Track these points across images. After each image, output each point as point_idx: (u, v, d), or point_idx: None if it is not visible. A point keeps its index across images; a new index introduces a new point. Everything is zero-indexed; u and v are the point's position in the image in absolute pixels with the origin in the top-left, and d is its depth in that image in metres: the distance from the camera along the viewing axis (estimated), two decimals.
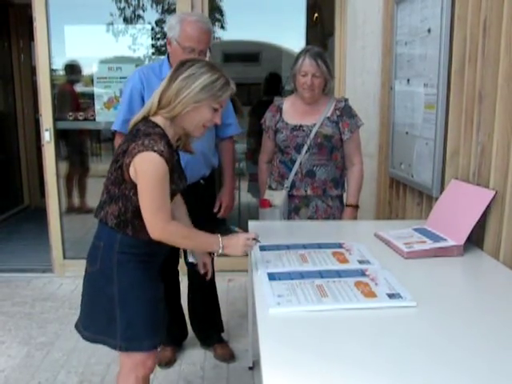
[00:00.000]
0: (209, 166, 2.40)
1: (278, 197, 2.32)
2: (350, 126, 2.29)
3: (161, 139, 1.49)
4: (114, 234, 1.57)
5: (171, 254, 2.39)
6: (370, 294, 1.37)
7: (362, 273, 1.53)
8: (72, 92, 4.20)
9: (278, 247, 1.75)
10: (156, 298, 1.65)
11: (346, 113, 2.30)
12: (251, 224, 2.11)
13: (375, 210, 3.22)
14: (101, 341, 1.63)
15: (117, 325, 1.58)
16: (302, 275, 1.51)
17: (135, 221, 1.55)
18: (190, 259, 1.67)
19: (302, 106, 2.32)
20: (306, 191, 2.30)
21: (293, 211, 2.34)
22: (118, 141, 2.25)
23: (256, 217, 2.44)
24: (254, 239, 1.61)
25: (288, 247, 1.78)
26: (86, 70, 3.94)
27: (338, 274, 1.52)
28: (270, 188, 2.40)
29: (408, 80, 2.61)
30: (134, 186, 1.51)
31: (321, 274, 1.51)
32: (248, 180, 5.01)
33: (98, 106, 3.61)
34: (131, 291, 1.58)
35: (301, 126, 2.29)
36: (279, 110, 2.37)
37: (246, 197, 5.11)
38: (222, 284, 3.22)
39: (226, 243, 1.57)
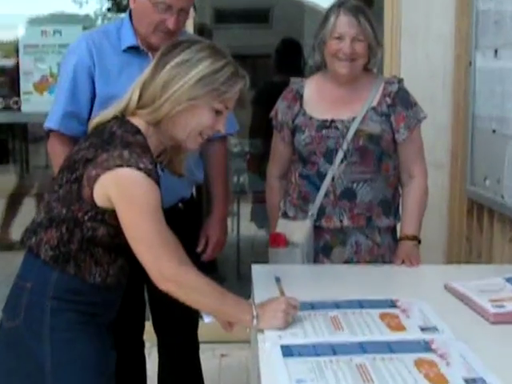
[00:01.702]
0: (190, 183, 2.42)
1: (298, 230, 2.33)
2: (407, 121, 2.31)
3: (145, 152, 1.59)
4: (49, 272, 1.64)
5: (135, 315, 2.40)
6: (439, 379, 1.36)
7: (427, 346, 1.52)
8: None
9: None
10: (105, 372, 1.71)
11: (400, 100, 2.32)
12: (256, 269, 2.11)
13: (446, 248, 3.22)
14: None
15: None
16: (333, 350, 1.50)
17: (81, 255, 1.63)
18: (206, 318, 1.73)
19: (335, 91, 2.34)
20: (341, 221, 2.31)
21: (321, 252, 2.34)
22: (54, 145, 2.27)
23: (263, 258, 2.44)
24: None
25: (312, 306, 1.78)
26: (7, 34, 3.99)
27: (390, 348, 1.51)
28: (286, 216, 2.41)
29: (496, 51, 2.63)
30: (93, 208, 1.60)
31: (363, 349, 1.51)
32: (251, 202, 5.01)
33: (25, 89, 3.63)
34: (70, 356, 1.63)
35: (333, 121, 2.30)
36: (299, 97, 2.39)
37: (247, 228, 5.10)
38: (210, 361, 3.20)
39: (261, 311, 1.63)
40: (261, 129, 4.25)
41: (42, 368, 1.62)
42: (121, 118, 1.69)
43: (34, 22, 3.72)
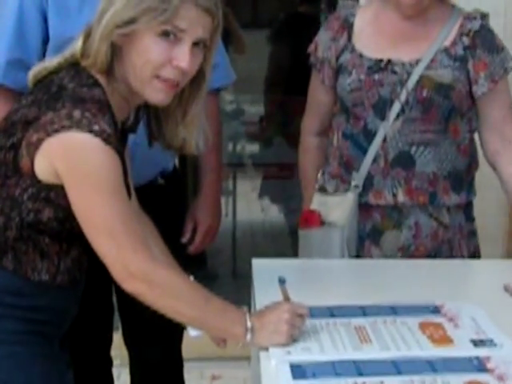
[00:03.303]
0: (173, 152, 2.42)
1: (337, 207, 2.32)
2: (490, 70, 2.27)
3: (102, 112, 1.57)
4: None
5: (100, 324, 2.43)
6: None
7: (480, 366, 1.52)
8: None
9: (311, 313, 1.74)
10: None
11: (482, 42, 2.28)
12: (258, 265, 2.12)
13: (506, 238, 3.21)
14: None
15: None
16: (358, 369, 1.51)
17: (21, 246, 1.64)
18: (192, 332, 1.72)
19: (396, 24, 2.30)
20: (394, 196, 2.29)
21: (368, 238, 2.33)
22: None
23: (267, 251, 2.44)
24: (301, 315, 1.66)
25: (331, 313, 1.78)
26: None
27: (432, 367, 1.52)
28: (323, 191, 2.40)
29: None
30: (34, 184, 1.59)
31: (397, 368, 1.51)
32: (261, 177, 5.01)
33: None
34: (9, 376, 1.64)
35: (390, 62, 2.27)
36: (347, 27, 2.36)
37: (246, 211, 5.11)
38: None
39: (257, 323, 1.62)
40: (280, 73, 4.35)
41: None
42: (75, 67, 1.67)
43: None
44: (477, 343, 1.63)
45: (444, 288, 2.05)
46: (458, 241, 2.32)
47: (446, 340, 1.65)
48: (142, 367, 2.56)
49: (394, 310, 1.80)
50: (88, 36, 1.65)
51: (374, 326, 1.72)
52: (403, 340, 1.65)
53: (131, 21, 1.59)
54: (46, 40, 2.22)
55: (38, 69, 1.72)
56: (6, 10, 2.25)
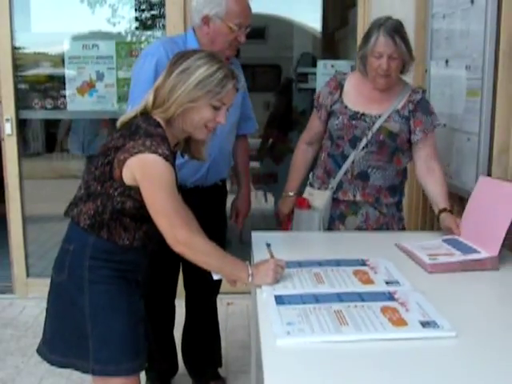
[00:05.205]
0: (229, 165, 2.48)
1: (319, 198, 2.35)
2: (423, 126, 2.25)
3: (163, 142, 1.62)
4: (87, 237, 1.68)
5: (171, 272, 2.43)
6: (400, 322, 1.37)
7: (390, 296, 1.53)
8: None
9: (288, 265, 1.75)
10: (134, 315, 1.75)
11: (421, 108, 2.26)
12: (255, 236, 2.11)
13: (406, 220, 3.21)
14: (70, 364, 1.72)
15: (89, 343, 1.67)
16: (316, 298, 1.52)
17: (112, 223, 1.67)
18: (215, 276, 1.72)
19: (369, 90, 2.29)
20: (354, 196, 2.31)
21: (337, 219, 2.35)
22: None
23: (260, 226, 2.45)
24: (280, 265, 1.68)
25: (299, 264, 1.79)
26: (55, 49, 3.98)
27: (361, 297, 1.53)
28: (312, 186, 2.43)
29: (446, 61, 2.62)
30: (122, 186, 1.63)
31: (340, 298, 1.52)
32: (259, 182, 5.00)
33: (69, 92, 3.64)
34: (105, 302, 1.68)
35: (363, 114, 2.27)
36: (340, 87, 2.34)
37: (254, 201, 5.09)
38: (219, 309, 3.21)
39: (254, 271, 1.65)
40: (275, 119, 4.52)
41: (83, 313, 1.67)
42: (146, 115, 1.70)
43: (77, 37, 3.71)
44: (388, 282, 1.65)
45: (367, 248, 2.04)
46: (391, 224, 2.36)
47: (369, 281, 1.67)
48: (192, 298, 2.58)
49: (338, 263, 1.81)
50: (156, 93, 1.68)
51: (326, 272, 1.73)
52: (344, 282, 1.66)
53: (197, 99, 1.65)
54: None
55: (123, 117, 1.75)
56: (142, 76, 2.15)
